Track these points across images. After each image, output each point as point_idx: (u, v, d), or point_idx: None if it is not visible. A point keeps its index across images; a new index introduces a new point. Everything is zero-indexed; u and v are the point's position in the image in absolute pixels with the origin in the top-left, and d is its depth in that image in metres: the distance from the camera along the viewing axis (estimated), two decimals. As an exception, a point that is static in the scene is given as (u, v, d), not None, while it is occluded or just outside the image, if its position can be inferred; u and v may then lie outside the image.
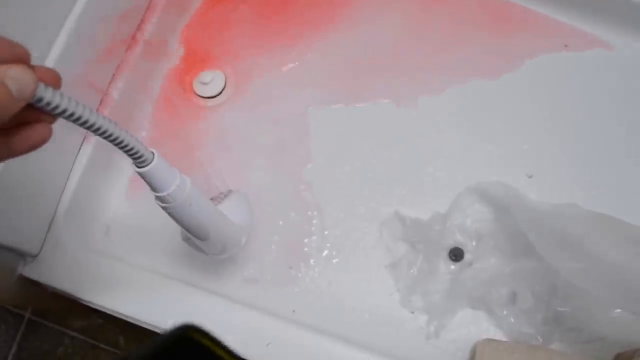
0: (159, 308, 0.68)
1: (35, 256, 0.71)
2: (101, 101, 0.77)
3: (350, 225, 0.79)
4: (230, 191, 0.71)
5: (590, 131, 0.83)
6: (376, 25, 0.89)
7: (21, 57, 0.32)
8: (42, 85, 0.33)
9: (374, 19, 0.89)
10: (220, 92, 0.86)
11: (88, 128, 0.38)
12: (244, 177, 0.81)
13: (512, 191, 0.76)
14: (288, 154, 0.82)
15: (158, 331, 0.69)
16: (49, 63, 0.65)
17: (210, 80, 0.85)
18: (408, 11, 0.89)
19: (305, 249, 0.78)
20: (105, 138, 0.40)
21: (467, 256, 0.77)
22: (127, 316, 0.69)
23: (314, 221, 0.79)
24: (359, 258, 0.78)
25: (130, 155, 0.45)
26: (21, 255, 0.70)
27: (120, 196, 0.80)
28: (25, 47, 0.33)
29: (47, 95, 0.33)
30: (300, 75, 0.86)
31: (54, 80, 0.35)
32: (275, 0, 0.90)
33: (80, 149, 0.76)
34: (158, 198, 0.51)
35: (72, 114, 0.35)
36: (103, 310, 0.70)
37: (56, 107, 0.34)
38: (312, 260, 0.77)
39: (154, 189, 0.50)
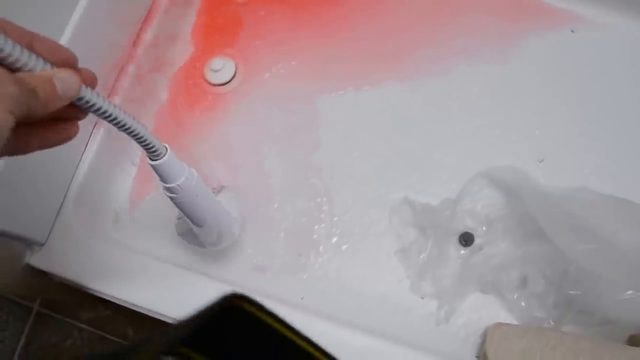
0: (168, 296, 0.68)
1: (42, 245, 0.71)
2: (113, 87, 0.77)
3: (359, 211, 0.78)
4: (222, 186, 0.75)
5: (599, 113, 0.83)
6: (383, 11, 0.88)
7: (69, 60, 0.37)
8: (83, 87, 0.38)
9: (381, 5, 0.88)
10: (231, 80, 0.85)
11: (115, 124, 0.43)
12: (253, 164, 0.81)
13: (521, 175, 0.75)
14: (297, 141, 0.82)
15: (167, 320, 0.68)
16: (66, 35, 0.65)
17: (221, 68, 0.85)
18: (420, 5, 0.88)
19: (315, 236, 0.77)
20: (126, 132, 0.45)
21: (478, 241, 0.76)
22: (136, 305, 0.68)
23: (323, 208, 0.78)
24: (369, 244, 0.77)
25: (145, 148, 0.49)
26: (28, 244, 0.70)
27: (129, 186, 0.80)
28: (73, 52, 0.37)
29: (87, 95, 0.38)
30: (309, 63, 0.86)
31: (92, 80, 0.39)
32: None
33: (90, 137, 0.75)
34: (167, 189, 0.55)
35: (104, 112, 0.41)
36: (111, 299, 0.69)
37: (92, 105, 0.39)
38: (321, 247, 0.77)
39: (164, 180, 0.54)
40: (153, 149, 0.49)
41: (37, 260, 0.70)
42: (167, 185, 0.54)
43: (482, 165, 0.78)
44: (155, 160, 0.51)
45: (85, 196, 0.74)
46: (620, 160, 0.80)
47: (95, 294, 0.69)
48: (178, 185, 0.54)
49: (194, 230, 0.66)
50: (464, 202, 0.77)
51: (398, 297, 0.75)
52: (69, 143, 0.70)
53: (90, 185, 0.75)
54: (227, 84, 0.85)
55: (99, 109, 0.40)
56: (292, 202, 0.78)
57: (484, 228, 0.76)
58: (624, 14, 0.86)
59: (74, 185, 0.73)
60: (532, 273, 0.72)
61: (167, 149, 0.51)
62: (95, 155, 0.75)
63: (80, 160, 0.74)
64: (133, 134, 0.45)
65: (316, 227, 0.77)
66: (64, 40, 0.65)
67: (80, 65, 0.38)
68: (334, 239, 0.77)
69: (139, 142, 0.47)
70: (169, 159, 0.51)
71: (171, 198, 0.56)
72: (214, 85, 0.85)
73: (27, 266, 0.70)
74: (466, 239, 0.76)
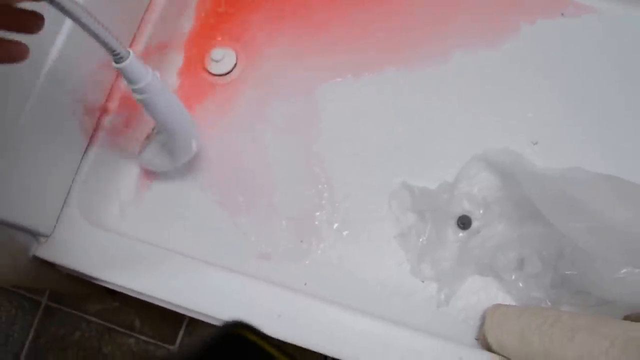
0: (174, 285, 0.69)
1: (48, 236, 0.72)
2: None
3: (359, 197, 0.80)
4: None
5: (591, 94, 0.84)
6: (378, 1, 0.89)
7: None
8: None
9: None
10: (232, 70, 0.87)
11: (80, 25, 0.48)
12: (255, 152, 0.82)
13: (517, 158, 0.76)
14: (298, 128, 0.83)
15: (173, 308, 0.70)
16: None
17: (221, 58, 0.86)
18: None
19: (316, 223, 0.79)
20: (90, 34, 0.50)
21: (475, 224, 0.78)
22: (143, 294, 0.70)
23: (324, 194, 0.80)
24: (369, 230, 0.79)
25: (109, 51, 0.54)
26: (34, 236, 0.71)
27: (134, 175, 0.81)
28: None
29: None
30: (309, 51, 0.87)
31: None
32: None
33: (94, 129, 0.77)
34: (135, 90, 0.60)
35: (70, 12, 0.46)
36: (118, 289, 0.70)
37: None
38: (323, 234, 0.79)
39: (131, 82, 0.59)
40: (116, 52, 0.55)
41: (43, 251, 0.71)
42: (135, 87, 0.60)
43: (479, 149, 0.79)
44: (120, 62, 0.56)
45: (91, 187, 0.75)
46: (612, 140, 0.81)
47: (103, 284, 0.71)
48: (146, 84, 0.60)
49: (166, 143, 0.73)
50: (461, 185, 0.79)
51: (399, 281, 0.77)
52: (74, 134, 0.72)
53: (96, 176, 0.76)
54: (228, 74, 0.86)
55: (63, 8, 0.45)
56: (293, 190, 0.80)
57: (481, 211, 0.78)
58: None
59: (79, 176, 0.74)
60: (529, 254, 0.74)
61: (130, 52, 0.56)
62: (99, 147, 0.76)
63: (85, 151, 0.76)
64: (97, 37, 0.51)
65: (318, 213, 0.79)
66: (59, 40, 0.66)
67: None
68: (335, 225, 0.79)
69: (103, 46, 0.53)
70: (131, 61, 0.57)
71: (140, 100, 0.62)
72: (215, 75, 0.86)
73: (34, 258, 0.71)
74: (464, 222, 0.78)
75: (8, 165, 0.62)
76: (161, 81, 0.62)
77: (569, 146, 0.81)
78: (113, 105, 0.78)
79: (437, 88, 0.85)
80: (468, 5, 0.89)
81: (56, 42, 0.66)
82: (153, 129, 0.78)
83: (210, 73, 0.86)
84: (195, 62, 0.87)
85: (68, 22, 0.66)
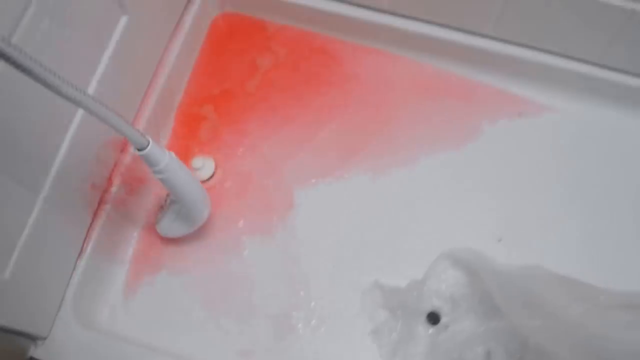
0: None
1: (44, 338, 0.77)
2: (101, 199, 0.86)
3: (334, 295, 0.85)
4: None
5: (551, 192, 0.90)
6: (345, 112, 0.97)
7: None
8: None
9: (344, 106, 0.98)
10: (212, 176, 0.94)
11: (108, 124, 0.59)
12: (235, 255, 0.88)
13: (479, 256, 0.81)
14: (275, 232, 0.89)
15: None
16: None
17: (201, 166, 0.93)
18: (378, 98, 0.98)
19: (293, 321, 0.84)
20: (117, 131, 0.60)
21: (444, 319, 0.82)
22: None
23: (301, 293, 0.85)
24: (344, 326, 0.83)
25: (132, 143, 0.64)
26: (32, 339, 0.76)
27: (123, 279, 0.88)
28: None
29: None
30: (285, 157, 0.94)
31: None
32: (260, 92, 0.99)
33: (86, 236, 0.83)
34: (156, 172, 0.69)
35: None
36: (108, 388, 0.76)
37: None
38: (300, 331, 0.83)
39: (152, 165, 0.68)
40: (139, 143, 0.64)
41: (40, 353, 0.76)
42: (155, 169, 0.68)
43: (446, 248, 0.85)
44: (142, 150, 0.65)
45: (84, 291, 0.81)
46: (570, 239, 0.86)
47: (94, 383, 0.76)
48: (165, 165, 0.68)
49: (182, 213, 0.82)
50: (429, 282, 0.83)
51: (374, 377, 0.80)
52: (68, 240, 0.79)
53: (88, 280, 0.82)
54: (209, 180, 0.93)
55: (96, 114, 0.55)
56: (272, 290, 0.85)
57: (449, 307, 0.82)
58: (565, 98, 0.95)
59: (73, 281, 0.81)
60: (495, 348, 0.77)
61: (149, 141, 0.64)
62: (91, 252, 0.83)
63: (78, 257, 0.82)
64: (122, 132, 0.60)
65: (295, 312, 0.84)
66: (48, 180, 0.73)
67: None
68: (312, 322, 0.83)
69: (129, 139, 0.62)
70: (152, 148, 0.65)
71: (160, 179, 0.70)
72: (197, 182, 0.93)
73: (31, 359, 0.76)
74: (433, 318, 0.82)
75: (7, 274, 0.68)
76: (177, 160, 0.71)
77: (532, 242, 0.86)
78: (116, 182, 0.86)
79: (406, 190, 0.91)
80: (433, 111, 0.96)
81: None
82: (165, 201, 0.87)
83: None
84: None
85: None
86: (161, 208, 0.88)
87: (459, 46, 0.95)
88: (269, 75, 1.01)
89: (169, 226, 0.85)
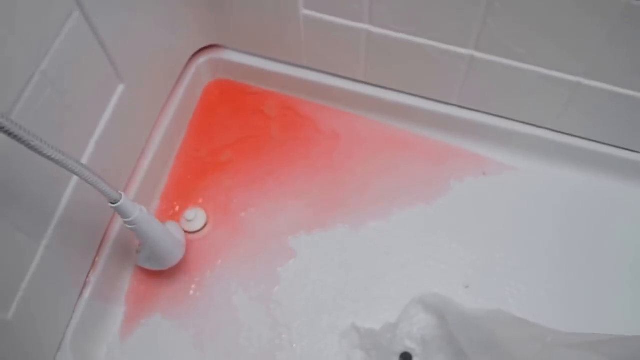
0: None
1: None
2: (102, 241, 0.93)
3: (314, 337, 0.91)
4: (166, 221, 0.96)
5: (514, 243, 0.98)
6: (332, 167, 1.07)
7: None
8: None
9: (328, 163, 1.08)
10: (203, 227, 1.01)
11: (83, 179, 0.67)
12: (222, 300, 0.95)
13: (448, 301, 0.89)
14: (259, 278, 0.96)
15: None
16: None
17: (194, 217, 1.01)
18: (355, 157, 1.08)
19: (277, 361, 0.90)
20: (92, 185, 0.68)
21: (415, 359, 0.88)
22: None
23: (283, 336, 0.91)
24: (323, 367, 0.90)
25: (106, 197, 0.72)
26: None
27: (121, 321, 0.94)
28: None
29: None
30: (272, 210, 1.03)
31: None
32: (249, 151, 1.09)
33: (86, 277, 0.89)
34: (127, 222, 0.77)
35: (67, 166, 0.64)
36: None
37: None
38: (283, 372, 0.89)
39: (124, 216, 0.76)
40: (112, 198, 0.72)
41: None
42: (127, 220, 0.76)
43: (417, 293, 0.92)
44: (115, 204, 0.73)
45: (82, 332, 0.87)
46: (530, 285, 0.94)
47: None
48: (135, 217, 0.76)
49: (154, 254, 0.88)
50: (402, 325, 0.90)
51: (351, 416, 0.86)
52: (69, 284, 0.86)
53: (87, 322, 0.88)
54: (200, 231, 1.01)
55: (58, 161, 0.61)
56: (257, 332, 0.92)
57: (420, 348, 0.89)
58: (526, 157, 1.05)
59: (72, 322, 0.86)
60: (463, 386, 0.84)
61: (121, 195, 0.73)
62: (90, 295, 0.89)
63: (78, 299, 0.88)
64: (97, 187, 0.69)
65: (278, 353, 0.90)
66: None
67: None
68: (294, 363, 0.90)
69: (102, 194, 0.71)
70: (124, 202, 0.74)
71: (132, 229, 0.79)
72: (189, 232, 1.00)
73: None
74: (406, 358, 0.88)
75: (14, 315, 0.73)
76: (147, 213, 0.79)
77: (496, 289, 0.94)
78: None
79: (381, 240, 0.99)
80: (406, 169, 1.06)
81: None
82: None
83: (185, 230, 1.00)
84: (173, 219, 1.02)
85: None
86: (140, 244, 0.94)
87: (428, 113, 1.05)
88: (258, 135, 1.10)
89: (144, 260, 0.93)
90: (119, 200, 0.74)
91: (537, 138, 1.02)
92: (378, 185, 1.04)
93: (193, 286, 0.96)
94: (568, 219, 1.00)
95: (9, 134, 0.55)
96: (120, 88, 0.89)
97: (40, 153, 0.60)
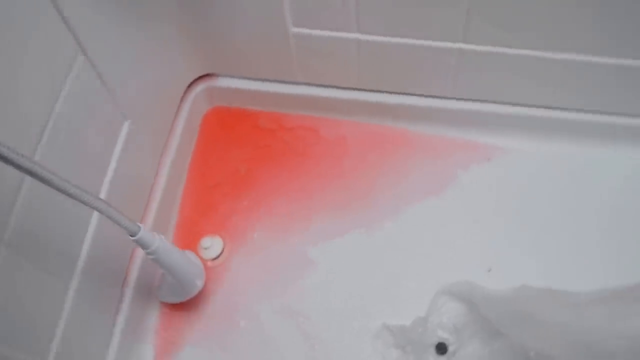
0: None
1: None
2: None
3: (348, 344, 0.92)
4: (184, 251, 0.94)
5: (526, 223, 1.00)
6: (340, 174, 1.09)
7: None
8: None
9: (335, 171, 1.09)
10: (220, 254, 1.02)
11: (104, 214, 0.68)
12: (250, 319, 0.95)
13: (474, 286, 0.90)
14: (284, 294, 0.97)
15: None
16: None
17: (210, 245, 1.02)
18: (360, 162, 1.10)
19: (312, 375, 0.90)
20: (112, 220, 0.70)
21: (451, 348, 0.89)
22: None
23: (316, 347, 0.92)
24: (360, 371, 0.90)
25: (125, 230, 0.73)
26: None
27: (152, 358, 0.94)
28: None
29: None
30: (287, 226, 1.04)
31: None
32: (256, 171, 1.11)
33: (115, 317, 0.90)
34: (149, 253, 0.78)
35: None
36: None
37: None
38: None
39: (144, 247, 0.77)
40: (131, 230, 0.74)
41: None
42: (148, 250, 0.77)
43: (442, 284, 0.93)
44: (134, 236, 0.74)
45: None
46: (549, 257, 0.95)
47: None
48: (156, 247, 0.78)
49: (176, 284, 0.90)
50: (432, 317, 0.91)
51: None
52: (100, 326, 0.87)
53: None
54: (217, 258, 1.02)
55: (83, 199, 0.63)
56: (290, 348, 0.92)
57: (454, 336, 0.90)
58: (527, 139, 1.07)
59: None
60: (501, 366, 0.85)
61: (140, 227, 0.74)
62: (120, 335, 0.89)
63: (110, 340, 0.89)
64: (116, 222, 0.70)
65: (312, 365, 0.91)
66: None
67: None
68: (330, 372, 0.90)
69: (122, 227, 0.72)
70: (143, 233, 0.75)
71: (154, 259, 0.80)
72: (206, 260, 1.01)
73: None
74: (441, 348, 0.89)
75: None
76: (167, 243, 0.81)
77: (517, 267, 0.95)
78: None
79: (397, 239, 1.00)
80: (413, 166, 1.07)
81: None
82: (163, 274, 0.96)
83: (201, 258, 1.01)
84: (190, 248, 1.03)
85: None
86: (162, 276, 0.97)
87: (425, 109, 1.07)
88: (262, 156, 1.12)
89: (165, 295, 0.95)
90: (138, 232, 0.75)
91: (535, 118, 1.05)
92: (388, 186, 1.06)
93: (218, 313, 0.97)
94: (574, 192, 1.02)
95: (39, 177, 0.57)
96: (126, 125, 0.91)
97: (66, 193, 0.62)
